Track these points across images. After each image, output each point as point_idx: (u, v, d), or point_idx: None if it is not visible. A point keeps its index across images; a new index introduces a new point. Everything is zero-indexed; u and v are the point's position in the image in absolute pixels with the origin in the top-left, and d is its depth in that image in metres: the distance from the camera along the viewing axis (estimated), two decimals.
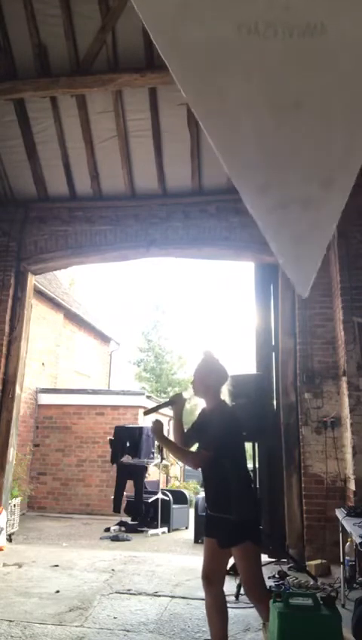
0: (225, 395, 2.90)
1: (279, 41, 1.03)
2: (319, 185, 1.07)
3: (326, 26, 1.01)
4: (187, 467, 16.13)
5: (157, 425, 2.87)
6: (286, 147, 1.07)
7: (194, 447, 3.01)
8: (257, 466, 5.49)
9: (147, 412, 3.21)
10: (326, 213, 1.09)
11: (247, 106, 1.07)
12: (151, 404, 11.98)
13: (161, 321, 27.28)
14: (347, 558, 4.30)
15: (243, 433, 2.96)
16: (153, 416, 3.16)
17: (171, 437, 2.94)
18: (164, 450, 9.49)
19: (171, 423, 3.24)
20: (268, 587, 2.94)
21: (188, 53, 1.07)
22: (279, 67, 1.06)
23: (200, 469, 2.88)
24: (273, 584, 4.22)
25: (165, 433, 2.90)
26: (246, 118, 1.08)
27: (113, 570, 5.05)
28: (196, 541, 7.28)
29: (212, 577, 2.76)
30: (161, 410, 3.69)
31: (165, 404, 3.14)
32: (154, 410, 3.24)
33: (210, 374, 2.89)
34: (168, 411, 3.03)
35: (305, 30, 1.02)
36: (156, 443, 9.11)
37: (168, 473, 13.01)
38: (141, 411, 10.92)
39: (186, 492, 9.64)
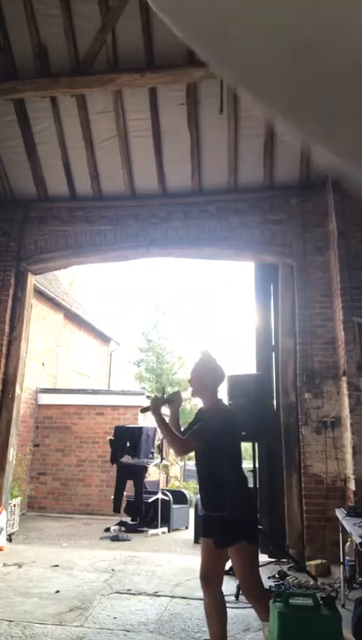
0: (222, 394, 2.91)
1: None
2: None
3: None
4: (187, 467, 16.14)
5: (157, 401, 2.91)
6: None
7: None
8: (257, 466, 5.49)
9: (144, 410, 3.22)
10: None
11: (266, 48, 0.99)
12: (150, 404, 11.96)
13: (161, 321, 27.27)
14: (347, 558, 4.30)
15: (240, 433, 2.96)
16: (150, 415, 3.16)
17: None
18: (164, 450, 9.50)
19: (167, 419, 3.26)
20: (267, 587, 2.94)
21: (195, 14, 0.99)
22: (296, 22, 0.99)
23: (197, 474, 2.89)
24: (273, 584, 4.21)
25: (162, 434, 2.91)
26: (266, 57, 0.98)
27: (113, 570, 5.05)
28: (196, 541, 7.28)
29: (210, 578, 2.76)
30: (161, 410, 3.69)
31: (162, 402, 3.15)
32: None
33: (207, 374, 2.90)
34: (165, 410, 3.03)
35: None
36: (156, 443, 9.12)
37: (168, 473, 13.01)
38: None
39: (186, 492, 9.63)
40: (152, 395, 2.93)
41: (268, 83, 0.97)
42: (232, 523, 2.63)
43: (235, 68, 0.97)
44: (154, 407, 2.89)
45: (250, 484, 3.82)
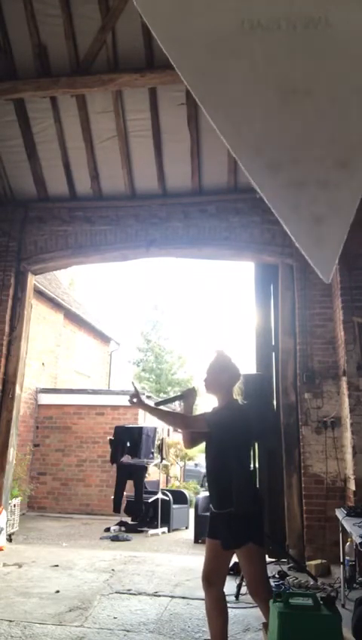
0: (236, 393, 2.91)
1: (283, 33, 1.04)
2: (335, 165, 1.06)
3: (331, 20, 1.02)
4: (187, 467, 16.14)
5: (136, 397, 2.93)
6: (296, 128, 1.07)
7: (201, 446, 3.02)
8: (257, 466, 5.49)
9: (157, 404, 3.22)
10: (346, 193, 1.07)
11: (253, 91, 1.07)
12: (151, 404, 11.96)
13: (160, 321, 27.29)
14: (347, 558, 4.30)
15: (252, 433, 2.96)
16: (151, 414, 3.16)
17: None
18: (164, 450, 9.50)
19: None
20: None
21: (188, 45, 1.07)
22: (285, 56, 1.07)
23: (207, 472, 2.88)
24: (273, 584, 4.21)
25: (165, 434, 2.93)
26: (251, 102, 1.08)
27: (113, 570, 5.05)
28: (196, 541, 7.28)
29: (212, 579, 2.75)
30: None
31: (176, 398, 3.15)
32: (165, 402, 3.26)
33: (222, 373, 2.90)
34: (167, 408, 3.05)
35: (308, 23, 1.03)
36: (156, 443, 9.12)
37: (168, 473, 13.01)
38: (141, 411, 10.93)
39: (186, 492, 9.63)
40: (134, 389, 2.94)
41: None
42: (240, 520, 2.62)
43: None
44: (139, 402, 2.93)
45: None
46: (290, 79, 1.07)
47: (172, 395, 23.59)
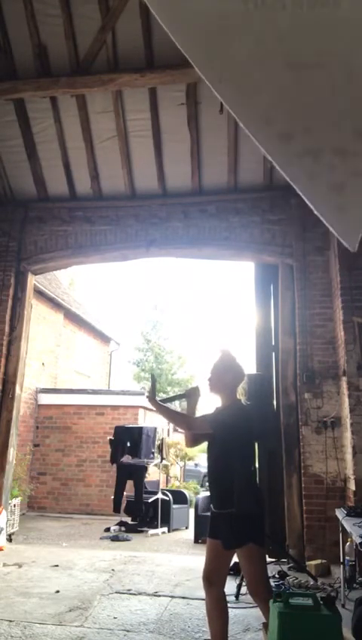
0: (240, 394, 2.91)
1: (289, 12, 1.02)
2: (352, 134, 1.04)
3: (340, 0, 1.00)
4: (187, 467, 16.15)
5: (152, 392, 2.96)
6: (308, 100, 1.04)
7: (202, 446, 3.02)
8: (257, 466, 5.49)
9: (162, 401, 3.21)
10: None
11: (260, 65, 1.05)
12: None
13: (160, 321, 27.29)
14: (347, 558, 4.30)
15: (254, 433, 2.95)
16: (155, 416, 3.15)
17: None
18: (164, 450, 9.50)
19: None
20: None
21: (192, 26, 1.06)
22: (292, 33, 1.05)
23: (208, 472, 2.88)
24: (273, 584, 4.21)
25: (165, 434, 2.92)
26: (260, 74, 1.05)
27: (113, 570, 5.05)
28: (196, 541, 7.28)
29: (213, 579, 2.75)
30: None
31: (180, 396, 3.14)
32: (170, 400, 3.26)
33: (226, 372, 2.90)
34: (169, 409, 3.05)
35: (314, 3, 1.02)
36: (156, 443, 9.12)
37: (168, 473, 13.01)
38: (141, 411, 10.92)
39: (186, 492, 9.63)
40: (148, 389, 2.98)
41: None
42: (241, 520, 2.62)
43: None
44: (151, 399, 2.94)
45: None
46: (299, 55, 1.05)
47: (172, 394, 23.63)
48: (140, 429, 8.95)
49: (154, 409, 3.04)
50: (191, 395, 2.99)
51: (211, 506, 2.84)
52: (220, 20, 1.05)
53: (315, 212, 1.07)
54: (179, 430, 3.42)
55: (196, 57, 1.08)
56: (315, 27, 1.04)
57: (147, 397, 2.94)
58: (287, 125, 1.05)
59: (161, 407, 2.95)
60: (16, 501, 6.93)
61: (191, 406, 2.98)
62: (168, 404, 3.08)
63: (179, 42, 1.06)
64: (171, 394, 23.67)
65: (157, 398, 3.00)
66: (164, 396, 3.42)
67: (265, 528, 2.77)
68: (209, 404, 3.15)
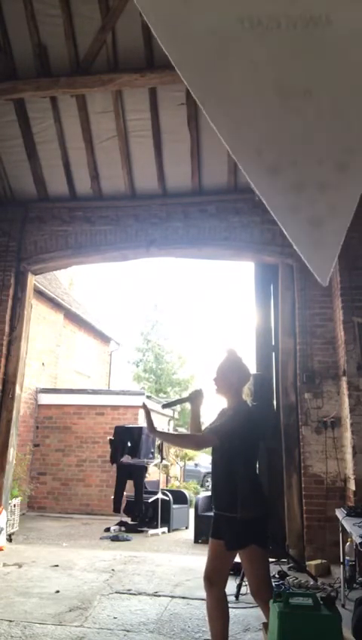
0: (246, 394, 2.87)
1: (283, 32, 1.04)
2: (334, 168, 1.06)
3: (331, 18, 1.02)
4: (187, 467, 16.15)
5: (150, 423, 2.83)
6: (296, 129, 1.06)
7: (209, 449, 3.00)
8: (257, 466, 5.49)
9: (165, 405, 3.20)
10: (344, 196, 1.07)
11: (253, 92, 1.07)
12: (151, 405, 11.98)
13: (160, 320, 27.26)
14: (347, 558, 4.30)
15: (259, 435, 2.92)
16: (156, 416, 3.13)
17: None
18: (164, 450, 9.49)
19: (172, 422, 3.24)
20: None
21: (188, 44, 1.07)
22: (285, 56, 1.06)
23: (212, 473, 2.84)
24: (273, 584, 4.21)
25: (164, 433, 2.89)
26: (252, 102, 1.07)
27: (113, 570, 5.05)
28: (196, 541, 7.28)
29: (214, 579, 2.74)
30: (161, 411, 3.69)
31: (184, 400, 3.11)
32: (173, 404, 3.24)
33: (232, 373, 2.86)
34: (168, 411, 3.03)
35: (308, 22, 1.03)
36: (156, 443, 9.12)
37: (168, 473, 13.01)
38: (141, 411, 10.92)
39: (186, 492, 9.63)
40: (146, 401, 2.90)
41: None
42: (245, 524, 2.60)
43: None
44: (150, 427, 2.81)
45: None
46: (290, 79, 1.07)
47: (172, 394, 23.60)
48: (140, 429, 8.95)
49: (159, 439, 2.99)
50: (195, 398, 2.95)
51: (214, 507, 2.82)
52: (217, 41, 1.06)
53: (294, 246, 1.10)
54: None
55: (193, 83, 1.09)
56: (307, 49, 1.05)
57: (148, 430, 2.87)
58: (276, 157, 1.07)
59: (165, 436, 2.90)
60: (16, 501, 6.93)
61: (195, 409, 2.94)
62: (172, 408, 3.03)
63: (175, 63, 1.07)
64: (171, 394, 23.69)
65: (153, 401, 2.97)
66: (167, 400, 3.40)
67: (266, 530, 2.76)
68: (213, 405, 3.13)
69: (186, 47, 1.08)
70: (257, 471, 2.84)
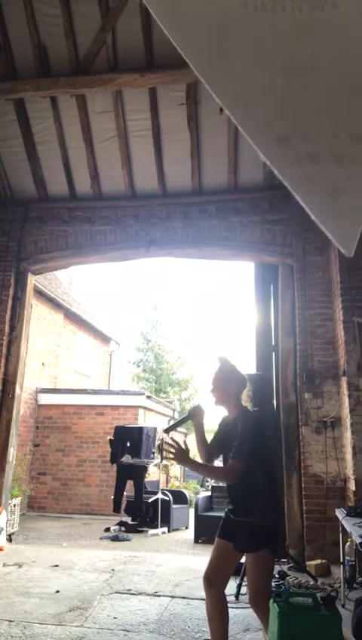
0: (245, 400, 2.84)
1: (288, 15, 1.04)
2: (350, 139, 1.05)
3: (337, 2, 1.02)
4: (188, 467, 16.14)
5: (179, 451, 2.71)
6: (307, 103, 1.06)
7: (218, 461, 2.96)
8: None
9: (167, 430, 3.13)
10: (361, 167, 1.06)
11: (258, 69, 1.07)
12: (151, 404, 11.98)
13: (160, 320, 27.25)
14: (347, 558, 4.30)
15: (270, 440, 2.87)
16: (155, 418, 3.11)
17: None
18: (164, 450, 9.49)
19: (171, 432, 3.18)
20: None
21: (190, 27, 1.07)
22: (291, 38, 1.06)
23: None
24: (273, 584, 4.21)
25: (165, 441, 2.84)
26: (257, 78, 1.07)
27: (113, 570, 5.05)
28: (196, 541, 7.28)
29: (214, 580, 2.72)
30: (161, 411, 3.66)
31: (185, 419, 3.02)
32: (175, 426, 3.17)
33: (228, 382, 2.82)
34: (168, 411, 3.00)
35: (314, 5, 1.03)
36: (156, 443, 9.12)
37: (168, 473, 13.01)
38: (141, 411, 10.92)
39: (186, 492, 9.64)
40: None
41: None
42: (260, 529, 2.58)
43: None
44: (183, 458, 2.71)
45: None
46: (297, 59, 1.06)
47: (172, 394, 23.59)
48: (140, 429, 8.95)
49: (191, 469, 2.87)
50: (196, 415, 2.90)
51: (230, 512, 2.77)
52: (220, 23, 1.06)
53: (312, 218, 1.09)
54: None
55: (196, 61, 1.09)
56: (313, 30, 1.05)
57: (180, 460, 2.76)
58: (286, 129, 1.06)
59: (197, 466, 2.79)
60: (16, 501, 6.93)
61: (198, 424, 2.89)
62: (178, 427, 2.95)
63: (178, 45, 1.07)
64: (171, 394, 23.67)
65: (153, 401, 2.93)
66: (165, 398, 3.35)
67: (279, 536, 2.71)
68: (214, 417, 3.08)
69: (188, 30, 1.08)
70: (272, 478, 2.79)
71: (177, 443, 2.77)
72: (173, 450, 2.71)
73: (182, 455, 2.71)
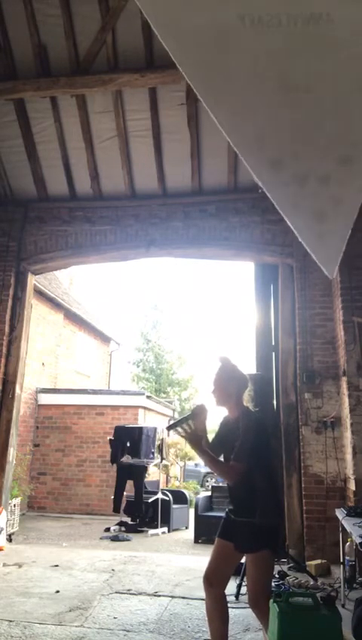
0: (246, 401, 2.83)
1: (284, 29, 1.04)
2: (337, 161, 1.06)
3: (333, 17, 1.02)
4: (187, 467, 16.15)
5: (196, 435, 2.70)
6: (297, 124, 1.07)
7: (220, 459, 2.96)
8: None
9: (169, 427, 3.13)
10: (348, 189, 1.07)
11: (254, 87, 1.07)
12: (151, 404, 11.98)
13: (160, 320, 27.26)
14: (347, 558, 4.30)
15: (271, 440, 2.86)
16: (154, 419, 3.10)
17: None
18: (164, 450, 9.49)
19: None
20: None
21: (188, 41, 1.07)
22: (286, 52, 1.07)
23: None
24: (273, 584, 4.21)
25: (165, 434, 2.84)
26: (253, 96, 1.08)
27: (113, 570, 5.05)
28: (196, 541, 7.28)
29: (213, 580, 2.72)
30: (161, 411, 3.65)
31: (188, 418, 3.03)
32: (178, 424, 3.16)
33: (229, 382, 2.81)
34: (168, 411, 2.99)
35: (309, 19, 1.03)
36: (156, 443, 9.12)
37: (168, 473, 13.01)
38: (141, 411, 10.92)
39: (186, 492, 9.63)
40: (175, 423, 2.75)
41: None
42: (260, 529, 2.58)
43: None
44: (195, 443, 2.69)
45: None
46: (291, 76, 1.07)
47: (172, 394, 23.59)
48: (140, 429, 8.95)
49: (200, 457, 2.85)
50: (198, 414, 2.85)
51: (231, 512, 2.77)
52: (218, 37, 1.06)
53: (299, 239, 1.10)
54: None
55: (193, 77, 1.09)
56: (308, 47, 1.06)
57: (195, 447, 2.74)
58: (278, 151, 1.07)
59: (207, 456, 2.76)
60: (16, 501, 6.93)
61: (200, 425, 2.84)
62: (178, 429, 2.92)
63: (176, 58, 1.08)
64: (171, 394, 23.67)
65: (153, 401, 2.91)
66: (165, 398, 3.34)
67: (280, 537, 2.71)
68: (216, 418, 3.07)
69: (186, 43, 1.09)
70: (273, 478, 2.78)
71: (191, 428, 2.74)
72: (188, 430, 2.69)
73: (195, 438, 2.69)
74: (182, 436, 2.78)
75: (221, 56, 1.07)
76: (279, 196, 1.09)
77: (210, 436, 2.92)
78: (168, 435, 10.06)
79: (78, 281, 18.34)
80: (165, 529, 8.22)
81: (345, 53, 1.05)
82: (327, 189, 1.06)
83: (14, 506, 6.78)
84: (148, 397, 11.64)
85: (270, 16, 1.03)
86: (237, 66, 1.08)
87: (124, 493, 8.54)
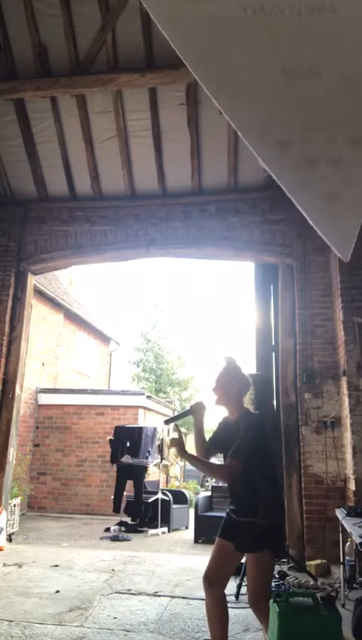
0: (247, 403, 2.83)
1: (287, 18, 1.04)
2: (347, 143, 1.05)
3: (336, 6, 1.02)
4: (187, 467, 16.14)
5: (177, 441, 2.76)
6: (305, 108, 1.06)
7: (215, 459, 2.96)
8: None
9: (167, 421, 3.13)
10: (360, 169, 1.06)
11: (258, 73, 1.07)
12: (151, 404, 11.98)
13: (160, 320, 27.27)
14: (347, 558, 4.30)
15: (271, 441, 2.86)
16: (154, 419, 3.12)
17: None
18: (164, 450, 9.49)
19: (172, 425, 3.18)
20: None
21: (191, 32, 1.07)
22: (289, 41, 1.07)
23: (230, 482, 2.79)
24: (273, 584, 4.21)
25: (165, 434, 2.86)
26: (255, 82, 1.07)
27: (113, 570, 5.05)
28: (196, 541, 7.29)
29: (213, 579, 2.71)
30: (161, 411, 3.66)
31: (186, 413, 3.04)
32: (176, 418, 3.16)
33: (231, 383, 2.81)
34: (169, 412, 3.00)
35: (312, 9, 1.03)
36: (156, 443, 9.12)
37: (168, 473, 13.01)
38: (141, 411, 10.92)
39: (186, 492, 9.63)
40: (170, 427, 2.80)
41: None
42: (261, 529, 2.58)
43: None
44: (179, 449, 2.74)
45: None
46: (296, 62, 1.07)
47: (172, 394, 23.58)
48: (140, 429, 8.95)
49: (189, 463, 2.88)
50: (197, 411, 2.89)
51: (232, 513, 2.76)
52: (219, 27, 1.06)
53: (309, 222, 1.09)
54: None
55: (195, 65, 1.09)
56: (312, 34, 1.05)
57: (180, 453, 2.79)
58: (285, 134, 1.07)
59: (194, 460, 2.80)
60: (16, 501, 6.93)
61: (198, 421, 2.89)
62: (178, 423, 2.94)
63: (178, 49, 1.07)
64: (171, 394, 23.67)
65: (153, 400, 2.93)
66: (165, 398, 3.35)
67: (281, 537, 2.71)
68: (215, 416, 3.08)
69: (189, 34, 1.09)
70: (274, 479, 2.78)
71: (179, 434, 2.82)
72: (174, 438, 2.76)
73: (177, 444, 2.75)
74: (170, 446, 2.81)
75: (223, 46, 1.07)
76: (288, 179, 1.08)
77: (207, 435, 2.93)
78: (168, 429, 10.00)
79: (78, 281, 18.34)
80: (165, 529, 8.22)
81: (351, 41, 1.04)
82: (337, 171, 1.05)
83: (14, 505, 6.78)
84: (148, 397, 11.64)
85: (272, 7, 1.03)
86: (240, 55, 1.07)
87: (124, 493, 8.54)
